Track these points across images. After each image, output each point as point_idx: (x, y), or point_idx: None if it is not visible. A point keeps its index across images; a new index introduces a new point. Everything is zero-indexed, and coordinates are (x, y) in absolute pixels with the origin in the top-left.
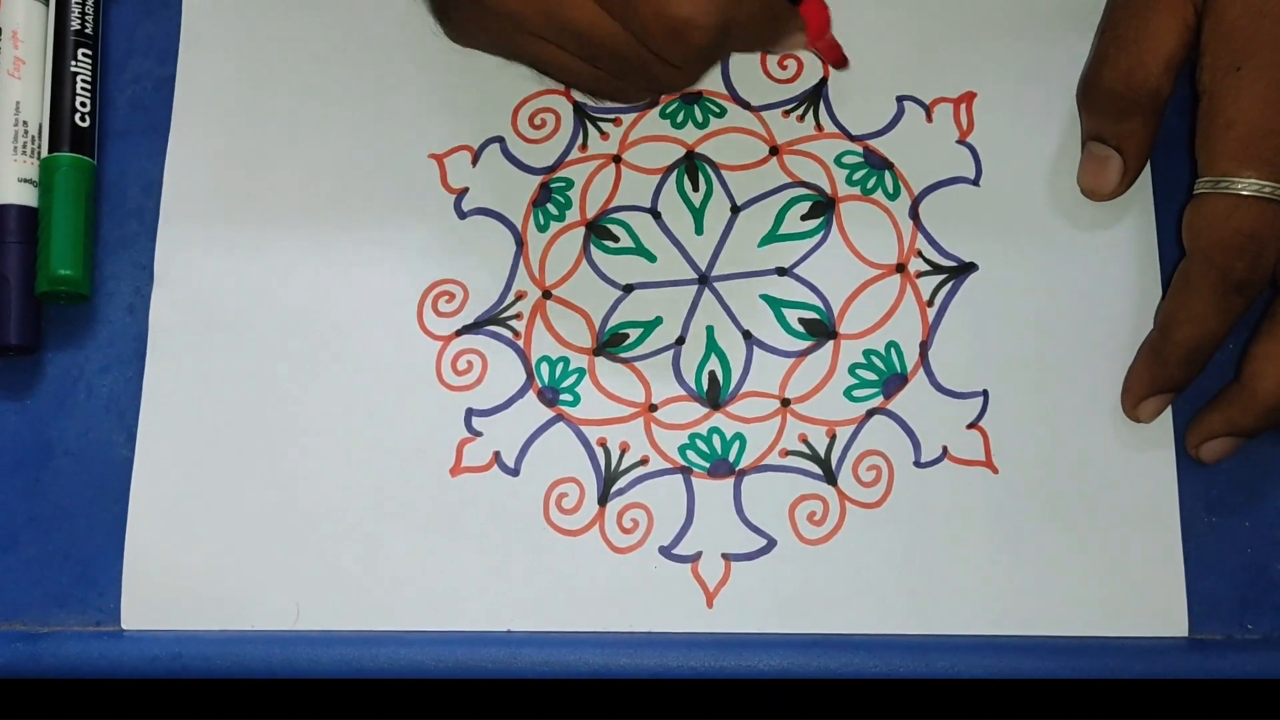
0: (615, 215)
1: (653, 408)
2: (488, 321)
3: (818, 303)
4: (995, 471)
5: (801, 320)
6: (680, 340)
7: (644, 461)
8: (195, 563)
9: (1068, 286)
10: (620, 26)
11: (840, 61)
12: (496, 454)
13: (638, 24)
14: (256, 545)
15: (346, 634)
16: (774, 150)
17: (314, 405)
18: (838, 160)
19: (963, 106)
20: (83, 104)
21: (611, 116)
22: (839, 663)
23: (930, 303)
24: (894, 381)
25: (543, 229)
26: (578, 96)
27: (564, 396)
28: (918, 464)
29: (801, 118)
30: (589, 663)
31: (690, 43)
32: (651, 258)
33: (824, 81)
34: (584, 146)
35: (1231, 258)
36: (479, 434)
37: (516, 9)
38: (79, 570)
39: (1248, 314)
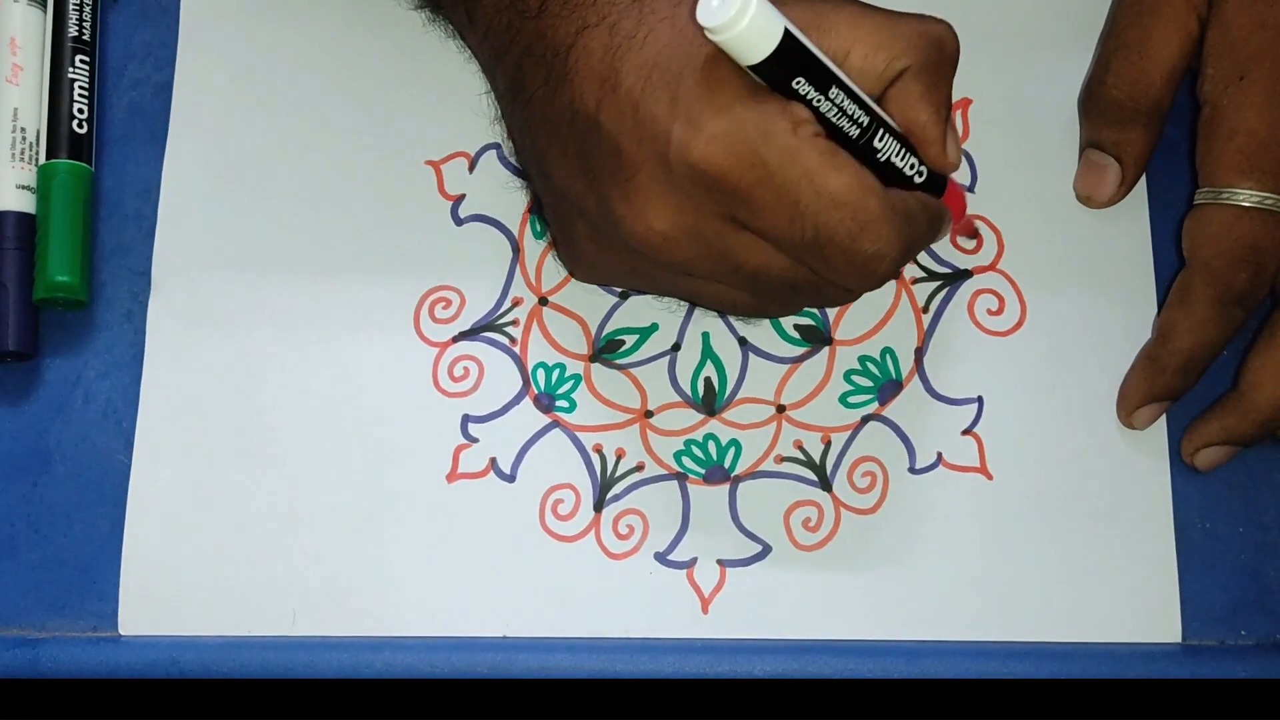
0: None
1: (649, 414)
2: (484, 328)
3: (813, 309)
4: (990, 478)
5: (797, 326)
6: (676, 347)
7: (639, 468)
8: (193, 568)
9: (1062, 293)
10: (794, 265)
11: (973, 233)
12: (493, 460)
13: (822, 263)
14: (254, 550)
15: (343, 639)
16: None
17: (311, 411)
18: None
19: (958, 113)
20: (80, 110)
21: None
22: (833, 668)
23: (925, 309)
24: (889, 388)
25: (539, 236)
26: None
27: (560, 403)
28: (912, 470)
29: None
30: (584, 668)
31: (878, 274)
32: None
33: None
34: None
35: (1233, 269)
36: (475, 440)
37: (684, 259)
38: (77, 575)
39: (1246, 323)
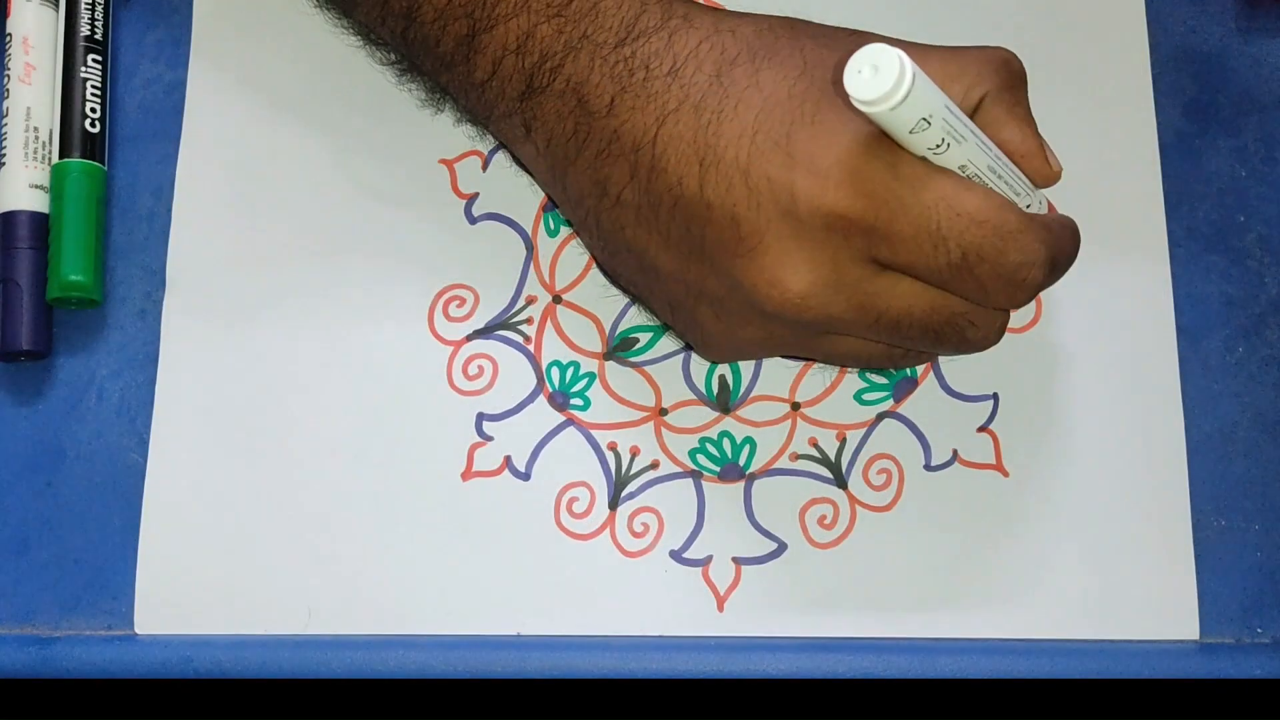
0: None
1: (663, 412)
2: (498, 326)
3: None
4: (1006, 475)
5: None
6: (690, 345)
7: (654, 465)
8: (207, 567)
9: (1077, 288)
10: (940, 297)
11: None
12: (507, 458)
13: (972, 283)
14: (269, 549)
15: (357, 637)
16: None
17: (325, 410)
18: None
19: None
20: (93, 110)
21: None
22: (849, 666)
23: None
24: (904, 385)
25: (553, 234)
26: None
27: (574, 401)
28: (928, 467)
29: None
30: (599, 666)
31: (1029, 284)
32: None
33: None
34: None
35: None
36: (490, 439)
37: (825, 315)
38: (91, 574)
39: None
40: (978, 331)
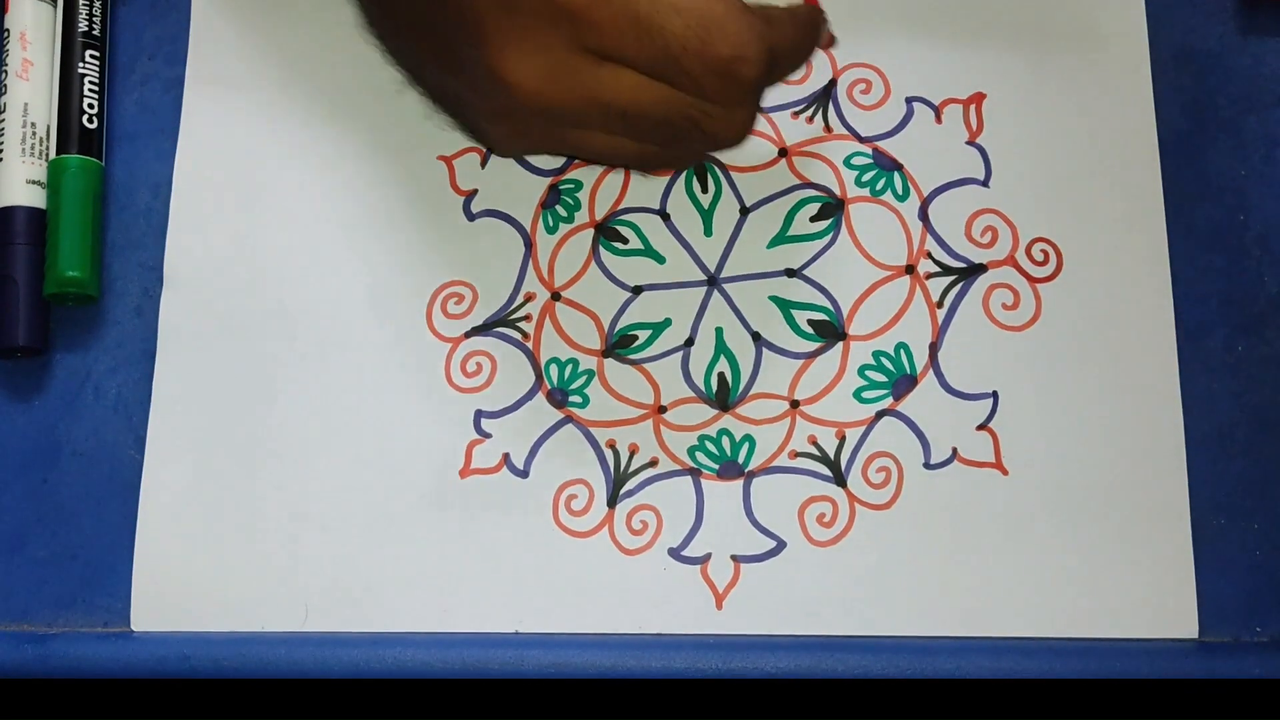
0: (624, 217)
1: (662, 409)
2: (497, 323)
3: (827, 304)
4: (1005, 473)
5: (810, 321)
6: (689, 342)
7: (653, 463)
8: (205, 564)
9: (1077, 287)
10: (664, 90)
11: (831, 41)
12: (506, 456)
13: (684, 78)
14: (266, 546)
15: (354, 635)
16: (783, 152)
17: (323, 407)
18: (847, 161)
19: (972, 107)
20: (90, 105)
21: None
22: (848, 665)
23: (940, 304)
24: (904, 383)
25: (552, 231)
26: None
27: (573, 398)
28: (927, 465)
29: (811, 119)
30: (597, 664)
31: (741, 78)
32: (660, 259)
33: (833, 83)
34: None
35: None
36: (488, 435)
37: (551, 104)
38: (87, 571)
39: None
40: (713, 124)
